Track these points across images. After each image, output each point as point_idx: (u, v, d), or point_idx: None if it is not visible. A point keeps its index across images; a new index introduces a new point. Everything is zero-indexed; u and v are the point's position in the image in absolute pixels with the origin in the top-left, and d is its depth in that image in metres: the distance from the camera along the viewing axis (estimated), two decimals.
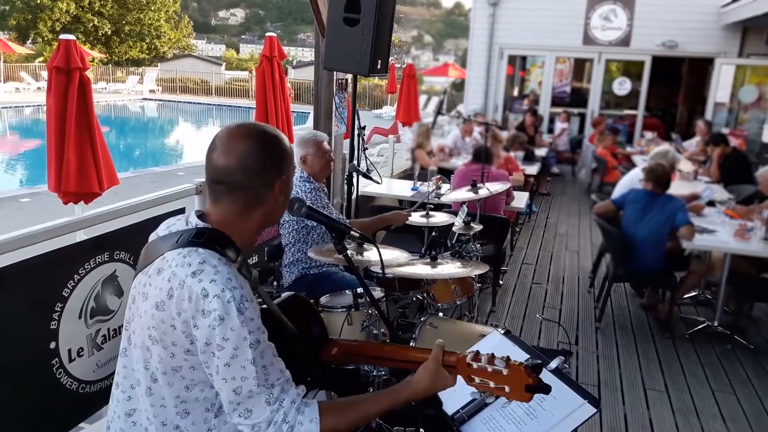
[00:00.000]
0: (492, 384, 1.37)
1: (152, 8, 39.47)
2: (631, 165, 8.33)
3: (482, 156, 5.18)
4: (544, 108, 12.72)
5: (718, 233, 4.60)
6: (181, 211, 2.94)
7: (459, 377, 1.44)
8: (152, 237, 1.46)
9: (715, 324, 4.64)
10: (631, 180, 5.58)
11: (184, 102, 29.01)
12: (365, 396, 1.45)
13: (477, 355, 1.40)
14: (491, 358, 1.38)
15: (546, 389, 1.34)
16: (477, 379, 1.39)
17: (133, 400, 1.41)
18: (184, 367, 1.33)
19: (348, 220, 3.59)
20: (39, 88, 24.85)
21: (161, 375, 1.35)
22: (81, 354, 2.55)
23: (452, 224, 3.84)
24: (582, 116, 12.68)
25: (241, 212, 1.41)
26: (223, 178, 1.38)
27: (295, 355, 1.45)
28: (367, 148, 4.59)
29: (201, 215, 1.41)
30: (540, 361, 1.39)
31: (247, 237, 1.43)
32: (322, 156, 3.48)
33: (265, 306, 1.47)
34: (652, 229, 4.53)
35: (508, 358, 1.37)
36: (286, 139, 1.47)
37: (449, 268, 3.13)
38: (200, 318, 1.26)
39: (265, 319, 1.37)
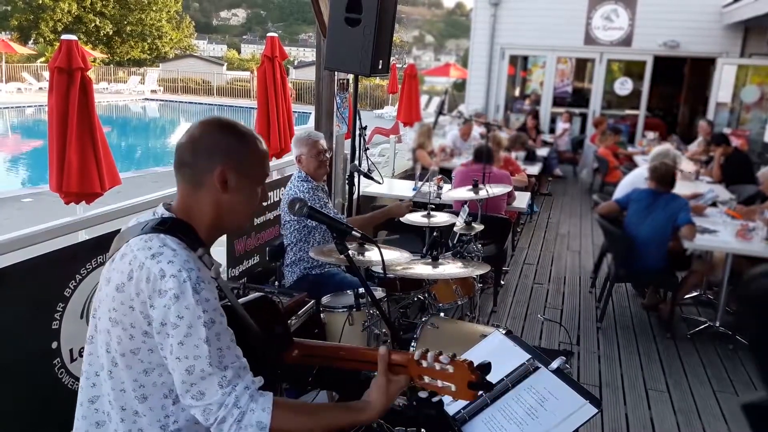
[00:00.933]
0: (440, 383, 1.36)
1: (154, 8, 39.48)
2: (633, 165, 8.32)
3: (483, 156, 5.18)
4: (546, 108, 12.71)
5: (720, 233, 4.60)
6: None
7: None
8: (122, 228, 1.50)
9: (717, 324, 4.63)
10: (633, 180, 5.57)
11: (186, 102, 29.02)
12: (327, 405, 1.46)
13: (425, 353, 1.39)
14: (437, 355, 1.36)
15: (488, 387, 1.33)
16: (426, 378, 1.38)
17: (96, 387, 1.42)
18: (143, 349, 1.34)
19: (346, 218, 3.58)
20: (41, 89, 24.85)
21: (120, 357, 1.36)
22: (82, 354, 2.55)
23: (453, 224, 3.84)
24: (583, 116, 12.67)
25: (190, 195, 1.44)
26: (176, 155, 1.45)
27: (253, 352, 1.45)
28: (368, 148, 4.59)
29: (168, 207, 1.46)
30: (489, 361, 1.38)
31: (205, 228, 1.44)
32: (316, 155, 3.48)
33: (228, 303, 1.48)
34: (655, 229, 4.52)
35: (453, 355, 1.36)
36: (256, 140, 1.48)
37: (450, 268, 3.13)
38: (157, 298, 1.28)
39: (227, 316, 1.40)
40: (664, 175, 4.57)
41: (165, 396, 1.37)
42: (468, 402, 1.77)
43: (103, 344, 1.40)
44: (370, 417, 1.42)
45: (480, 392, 1.34)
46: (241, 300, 1.61)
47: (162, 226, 1.37)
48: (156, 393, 1.37)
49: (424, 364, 1.37)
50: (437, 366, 1.35)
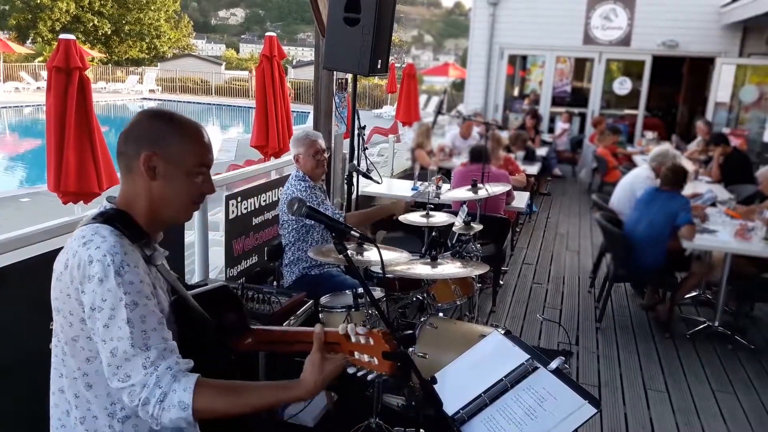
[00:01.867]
0: (366, 357, 1.36)
1: (152, 8, 39.49)
2: (632, 165, 8.32)
3: (482, 156, 5.18)
4: (545, 108, 12.71)
5: (719, 233, 4.60)
6: None
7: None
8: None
9: (716, 324, 4.64)
10: (631, 180, 5.57)
11: (184, 102, 28.98)
12: (253, 384, 1.42)
13: (348, 329, 1.38)
14: (356, 330, 1.36)
15: (402, 357, 1.32)
16: (356, 354, 1.38)
17: (62, 377, 1.44)
18: (81, 336, 1.36)
19: (345, 213, 3.58)
20: (39, 88, 24.85)
21: (66, 346, 1.39)
22: None
23: (452, 224, 3.84)
24: (582, 116, 12.68)
25: (126, 184, 1.46)
26: (117, 144, 1.46)
27: (201, 340, 1.47)
28: (367, 148, 4.59)
29: (112, 200, 1.48)
30: (411, 331, 1.38)
31: (144, 218, 1.45)
32: (314, 155, 3.48)
33: (176, 295, 1.49)
34: (654, 226, 4.52)
35: (371, 326, 1.35)
36: (191, 129, 1.46)
37: (449, 268, 3.12)
38: (86, 283, 1.31)
39: (175, 307, 1.43)
40: (666, 174, 4.57)
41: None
42: (467, 402, 1.77)
43: (56, 335, 1.43)
44: (302, 394, 1.39)
45: (398, 364, 1.32)
46: (198, 290, 1.61)
47: (100, 217, 1.40)
48: (100, 381, 1.38)
49: (353, 339, 1.37)
50: (362, 340, 1.35)
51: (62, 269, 1.36)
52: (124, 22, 38.47)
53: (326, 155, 3.60)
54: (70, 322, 1.36)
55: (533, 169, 8.10)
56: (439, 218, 3.79)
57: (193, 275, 3.64)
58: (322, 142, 3.55)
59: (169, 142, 1.42)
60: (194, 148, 1.45)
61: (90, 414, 1.40)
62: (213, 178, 1.54)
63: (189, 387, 1.30)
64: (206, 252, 3.60)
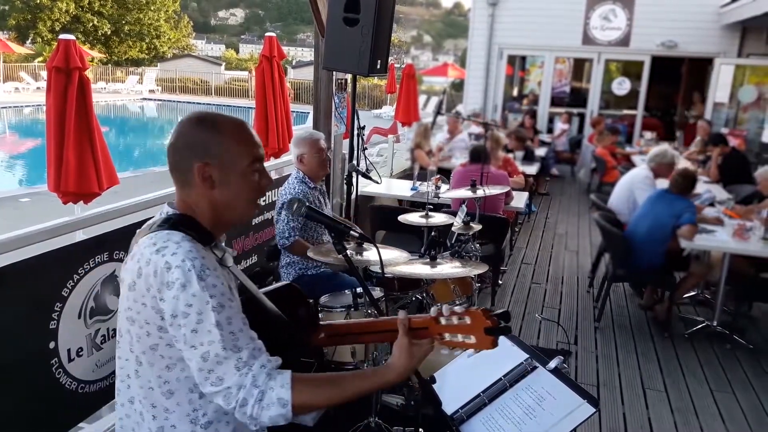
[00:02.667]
0: (460, 337, 1.35)
1: (152, 8, 39.46)
2: (631, 165, 8.33)
3: (481, 156, 5.18)
4: (544, 108, 12.72)
5: (718, 233, 4.61)
6: None
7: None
8: (138, 231, 1.51)
9: (714, 324, 4.64)
10: (630, 180, 5.58)
11: (184, 102, 28.94)
12: (345, 374, 1.43)
13: (441, 309, 1.38)
14: (452, 309, 1.36)
15: (506, 330, 1.32)
16: (447, 336, 1.37)
17: (131, 388, 1.43)
18: (161, 345, 1.35)
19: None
20: (38, 88, 24.83)
21: (142, 355, 1.37)
22: (80, 354, 2.55)
23: (451, 224, 3.85)
24: (581, 116, 12.69)
25: (186, 195, 1.44)
26: (167, 158, 1.45)
27: (280, 338, 1.47)
28: (366, 148, 4.59)
29: (173, 204, 1.47)
30: (506, 310, 1.38)
31: (208, 220, 1.44)
32: (318, 154, 3.49)
33: (247, 295, 1.50)
34: (656, 225, 4.53)
35: (468, 306, 1.36)
36: (232, 126, 1.44)
37: (448, 268, 3.13)
38: (165, 291, 1.29)
39: (249, 306, 1.42)
40: (678, 179, 4.60)
41: (191, 390, 1.37)
42: (466, 401, 1.78)
43: (127, 345, 1.41)
44: (393, 378, 1.40)
45: (499, 338, 1.32)
46: (265, 289, 1.62)
47: (166, 223, 1.39)
48: (181, 388, 1.37)
49: (443, 321, 1.37)
50: (455, 320, 1.35)
51: (135, 278, 1.34)
52: (123, 22, 38.43)
53: (329, 155, 3.61)
54: (147, 331, 1.34)
55: (532, 169, 8.11)
56: (439, 218, 3.80)
57: None
58: (324, 142, 3.57)
59: (218, 149, 1.41)
60: (243, 148, 1.43)
61: (168, 423, 1.39)
62: None
63: (286, 383, 1.30)
64: None
